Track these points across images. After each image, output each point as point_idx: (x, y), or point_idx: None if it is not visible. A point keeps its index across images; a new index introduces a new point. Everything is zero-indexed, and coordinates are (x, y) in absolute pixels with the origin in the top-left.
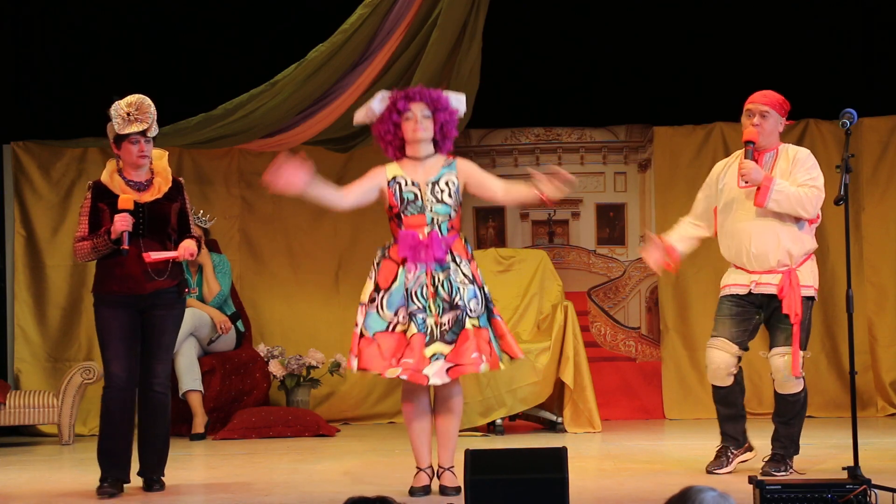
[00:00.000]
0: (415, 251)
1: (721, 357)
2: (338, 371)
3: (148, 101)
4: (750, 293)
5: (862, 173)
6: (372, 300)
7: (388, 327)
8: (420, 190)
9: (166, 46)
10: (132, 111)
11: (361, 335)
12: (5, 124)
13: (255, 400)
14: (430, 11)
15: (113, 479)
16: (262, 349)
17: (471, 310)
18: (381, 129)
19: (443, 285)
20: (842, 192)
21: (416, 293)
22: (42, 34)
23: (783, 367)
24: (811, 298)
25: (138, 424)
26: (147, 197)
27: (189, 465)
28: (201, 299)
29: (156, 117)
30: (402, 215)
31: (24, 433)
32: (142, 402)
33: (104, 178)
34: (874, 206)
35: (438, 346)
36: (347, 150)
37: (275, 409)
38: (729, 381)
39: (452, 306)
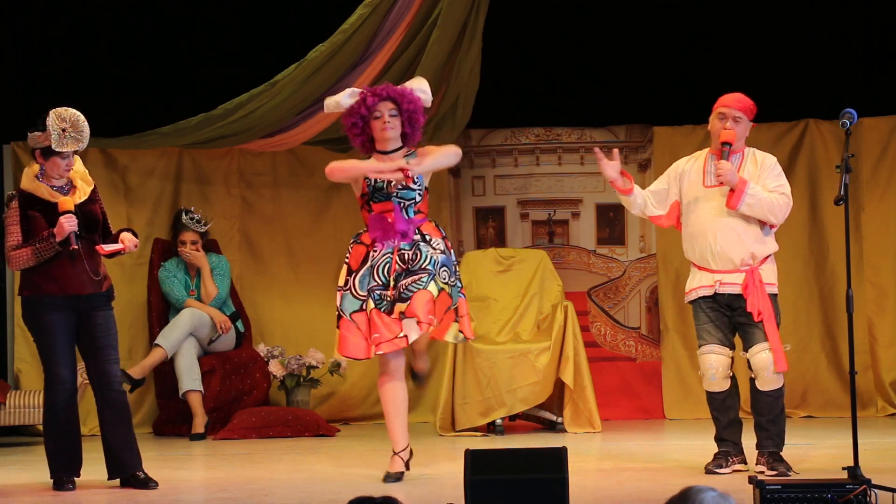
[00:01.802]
0: (384, 230)
1: (718, 360)
2: (338, 371)
3: (83, 119)
4: (716, 294)
5: (862, 173)
6: (346, 283)
7: (361, 306)
8: (383, 181)
9: (166, 46)
10: (67, 128)
11: (340, 317)
12: (5, 124)
13: (255, 400)
14: (430, 11)
15: (69, 477)
16: (262, 349)
17: (440, 274)
18: (349, 122)
19: (412, 257)
20: (842, 192)
21: (378, 270)
22: (42, 34)
23: (770, 363)
24: (774, 295)
25: (106, 428)
26: (76, 199)
27: (189, 465)
28: (199, 301)
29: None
30: (370, 202)
31: (24, 433)
32: (104, 405)
33: (27, 185)
34: (874, 206)
35: (399, 306)
36: (347, 150)
37: (275, 409)
38: (727, 385)
39: (415, 271)
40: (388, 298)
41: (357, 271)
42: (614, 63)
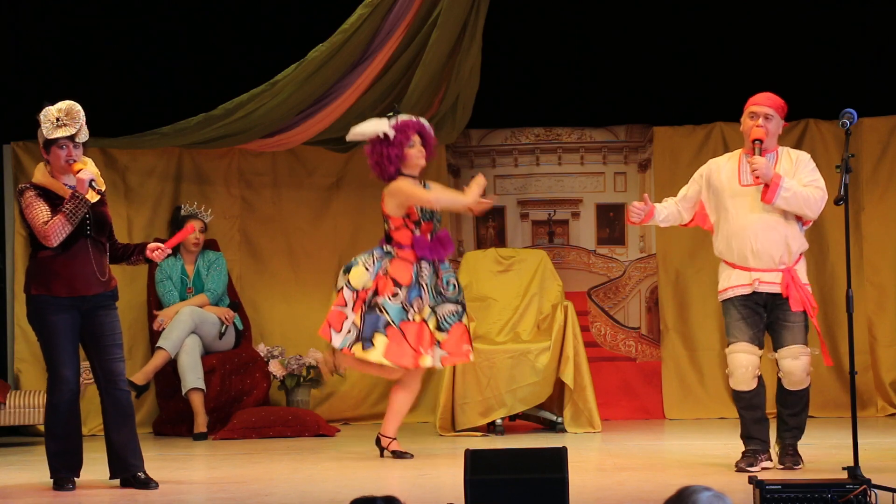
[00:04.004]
0: (432, 250)
1: (747, 359)
2: (338, 371)
3: (77, 106)
4: (753, 293)
5: (862, 173)
6: (395, 294)
7: (409, 318)
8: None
9: (166, 46)
10: (62, 116)
11: (388, 325)
12: (5, 124)
13: (255, 400)
14: (430, 11)
15: (69, 477)
16: (262, 349)
17: (463, 306)
18: (393, 152)
19: (442, 280)
20: (842, 192)
21: (426, 286)
22: (42, 34)
23: (798, 369)
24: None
25: (110, 427)
26: (88, 199)
27: (189, 464)
28: (184, 298)
29: (84, 122)
30: (421, 222)
31: (24, 433)
32: (109, 404)
33: (41, 180)
34: (874, 206)
35: (438, 335)
36: (347, 150)
37: (275, 409)
38: (754, 384)
39: (450, 300)
40: (436, 316)
41: (408, 286)
42: (614, 63)
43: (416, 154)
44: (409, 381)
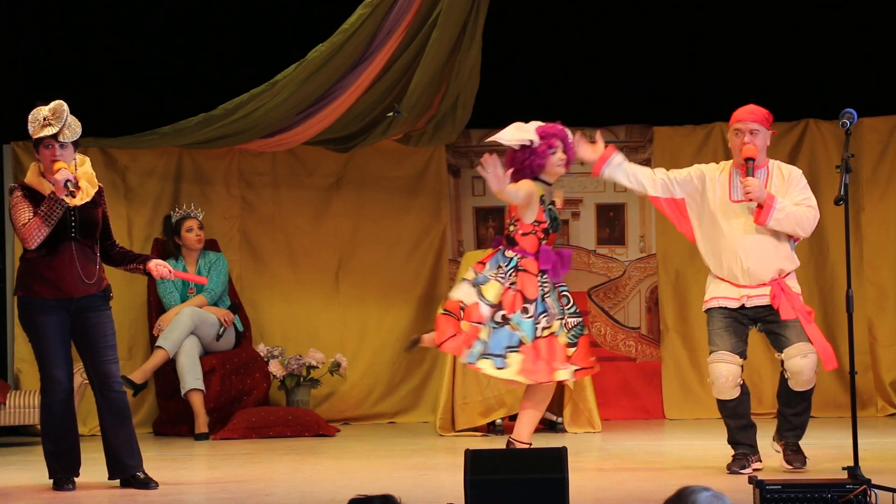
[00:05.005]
0: (554, 266)
1: (728, 369)
2: (338, 371)
3: (64, 106)
4: (742, 307)
5: (862, 173)
6: (525, 310)
7: (540, 333)
8: (557, 211)
9: (166, 46)
10: (48, 116)
11: (521, 342)
12: (5, 124)
13: (255, 400)
14: (430, 11)
15: (68, 477)
16: (262, 349)
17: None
18: (533, 161)
19: (560, 293)
20: (842, 192)
21: (550, 298)
22: (42, 34)
23: (807, 368)
24: None
25: (106, 429)
26: (76, 201)
27: (189, 465)
28: (185, 298)
29: (68, 121)
30: (549, 231)
31: (24, 433)
32: (104, 406)
33: (31, 180)
34: (874, 206)
35: (568, 350)
36: (347, 150)
37: (275, 409)
38: (736, 393)
39: (573, 314)
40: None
41: (535, 301)
42: (614, 63)
43: (556, 161)
44: (537, 395)
